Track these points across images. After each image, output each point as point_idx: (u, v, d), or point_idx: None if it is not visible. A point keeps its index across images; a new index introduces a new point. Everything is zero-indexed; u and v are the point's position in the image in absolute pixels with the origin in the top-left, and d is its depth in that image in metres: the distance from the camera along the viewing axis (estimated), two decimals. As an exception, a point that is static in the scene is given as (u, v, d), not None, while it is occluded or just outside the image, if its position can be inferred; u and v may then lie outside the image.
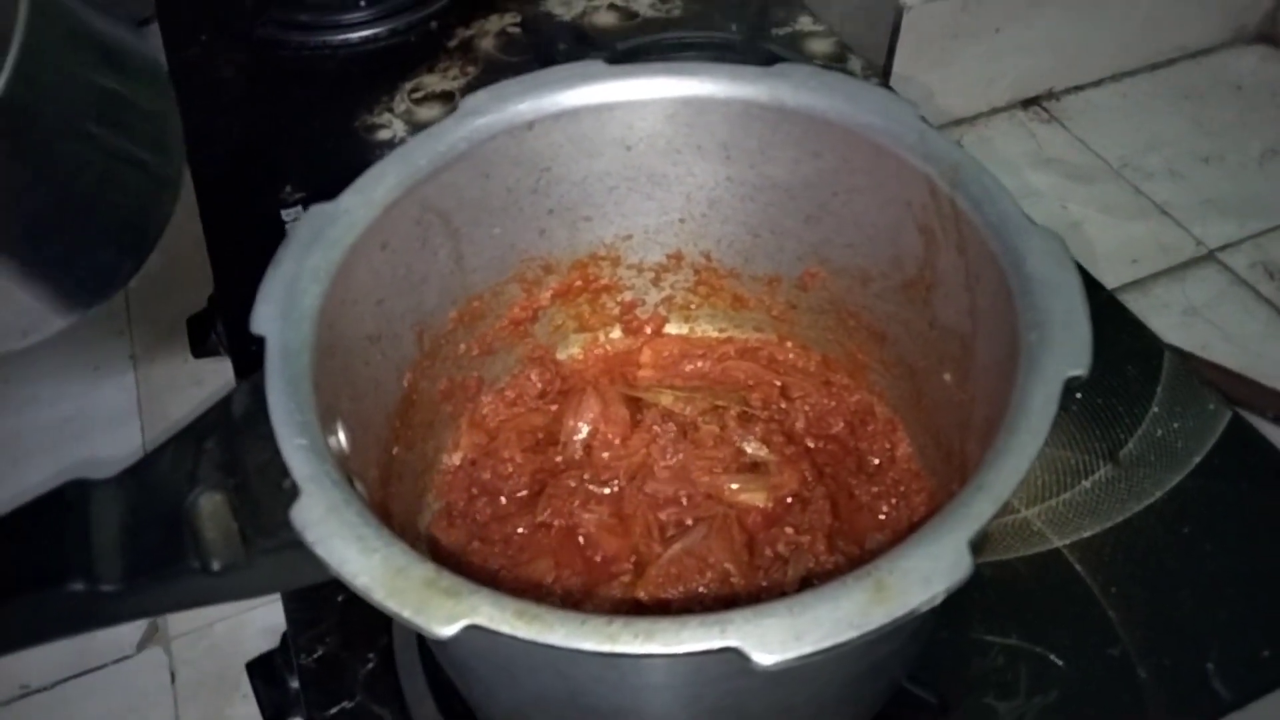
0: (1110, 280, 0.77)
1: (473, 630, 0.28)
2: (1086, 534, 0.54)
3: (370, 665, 0.51)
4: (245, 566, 0.33)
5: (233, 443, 0.35)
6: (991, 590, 0.52)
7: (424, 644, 0.50)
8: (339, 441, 0.37)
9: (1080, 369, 0.33)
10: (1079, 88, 1.01)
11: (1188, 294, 0.80)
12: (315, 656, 0.51)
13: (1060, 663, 0.50)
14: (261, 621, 0.70)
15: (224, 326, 0.71)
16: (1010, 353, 0.36)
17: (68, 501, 0.34)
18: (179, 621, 0.71)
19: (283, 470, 0.32)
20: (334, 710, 0.49)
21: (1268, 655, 0.50)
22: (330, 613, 0.52)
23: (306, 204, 0.72)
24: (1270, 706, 0.49)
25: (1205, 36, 1.04)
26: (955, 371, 0.45)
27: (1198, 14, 1.01)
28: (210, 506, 0.34)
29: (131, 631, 0.71)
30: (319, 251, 0.40)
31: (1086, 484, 0.57)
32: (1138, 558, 0.53)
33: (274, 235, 0.75)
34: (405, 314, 0.46)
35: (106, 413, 0.86)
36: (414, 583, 0.29)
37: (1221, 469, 0.57)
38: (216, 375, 0.83)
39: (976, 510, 0.30)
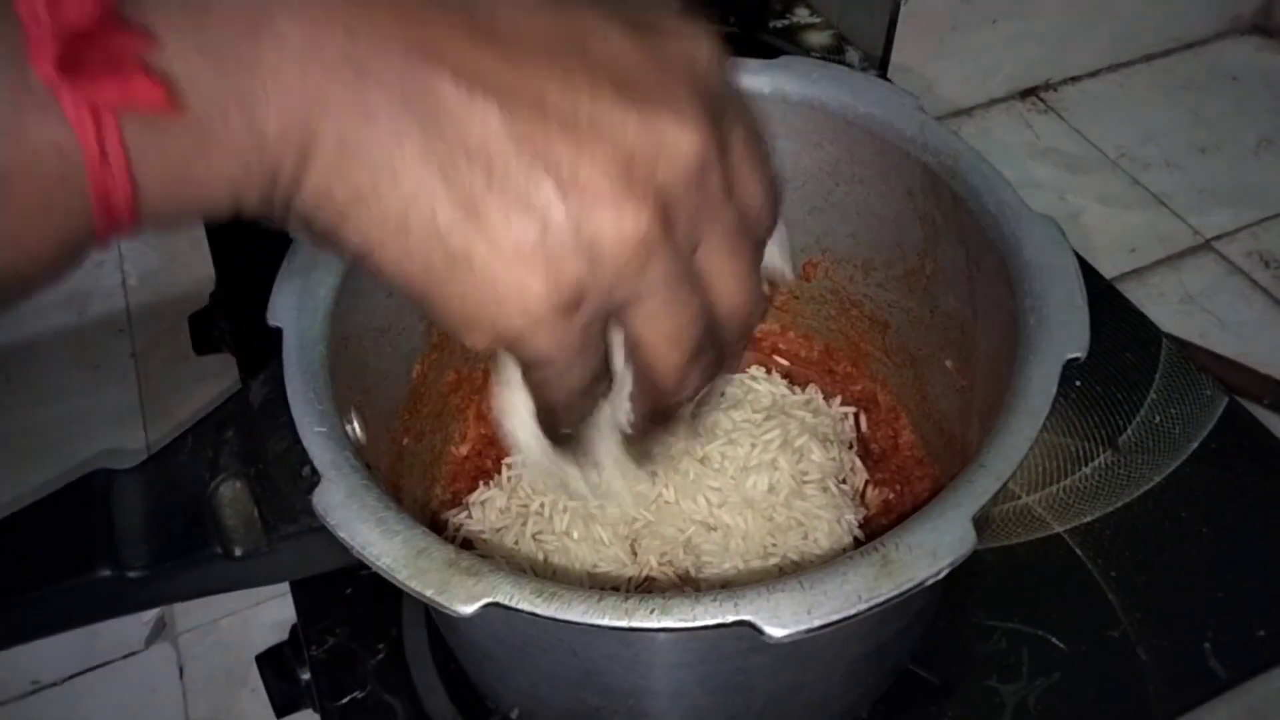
0: (1108, 270, 0.77)
1: (492, 608, 0.29)
2: (1087, 519, 0.55)
3: (380, 656, 0.51)
4: (267, 552, 0.34)
5: (252, 432, 0.35)
6: (993, 575, 0.53)
7: (434, 634, 0.51)
8: (354, 430, 0.37)
9: (1079, 351, 0.34)
10: (1076, 79, 1.01)
11: (1185, 283, 0.81)
12: (325, 648, 0.51)
13: (1062, 645, 0.50)
14: (268, 616, 0.70)
15: (227, 323, 0.71)
16: (1010, 338, 0.37)
17: (93, 490, 0.35)
18: (186, 617, 0.72)
19: (302, 458, 0.33)
20: (345, 700, 0.50)
21: (1263, 635, 0.50)
22: (339, 604, 0.53)
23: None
24: (1266, 684, 0.50)
25: (1200, 28, 1.04)
26: (956, 358, 0.46)
27: (1193, 5, 1.02)
28: (231, 494, 0.34)
29: (140, 627, 0.71)
30: (332, 245, 0.40)
31: (1086, 470, 0.57)
32: (1137, 542, 0.54)
33: (277, 233, 0.75)
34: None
35: (109, 410, 0.86)
36: (435, 563, 0.29)
37: (1218, 454, 0.58)
38: (219, 372, 0.83)
39: (980, 488, 0.31)
